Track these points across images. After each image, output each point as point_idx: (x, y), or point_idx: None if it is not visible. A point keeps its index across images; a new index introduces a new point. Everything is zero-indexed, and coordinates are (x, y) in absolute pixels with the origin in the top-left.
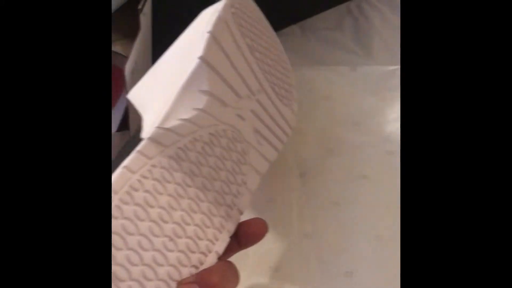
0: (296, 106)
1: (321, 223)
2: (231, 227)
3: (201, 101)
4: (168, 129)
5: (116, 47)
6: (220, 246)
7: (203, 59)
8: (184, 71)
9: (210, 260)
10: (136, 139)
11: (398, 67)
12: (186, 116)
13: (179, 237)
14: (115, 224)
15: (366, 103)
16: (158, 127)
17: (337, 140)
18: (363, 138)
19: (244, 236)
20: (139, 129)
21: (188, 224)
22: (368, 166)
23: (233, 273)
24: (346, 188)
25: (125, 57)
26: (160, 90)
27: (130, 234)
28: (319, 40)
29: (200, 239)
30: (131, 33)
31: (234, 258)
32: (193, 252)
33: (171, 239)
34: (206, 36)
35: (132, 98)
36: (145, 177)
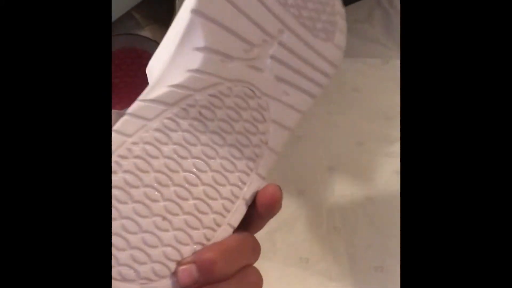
0: (341, 38)
1: (351, 217)
2: (248, 195)
3: (196, 60)
4: (150, 100)
5: (145, 32)
6: (233, 217)
7: (196, 11)
8: (179, 32)
9: (223, 234)
10: None
11: None
12: (177, 81)
13: (174, 214)
14: None
15: (397, 97)
16: (139, 100)
17: (367, 134)
18: (394, 133)
19: (258, 204)
20: None
21: (185, 199)
22: (399, 161)
23: (247, 247)
24: (377, 183)
25: (153, 41)
26: (160, 58)
27: (113, 219)
28: (349, 32)
29: (203, 213)
30: (160, 19)
31: (263, 250)
32: (195, 228)
33: (164, 218)
34: None
35: (148, 74)
36: (124, 157)
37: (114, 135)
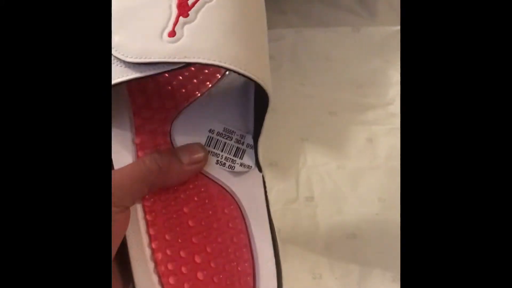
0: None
1: (324, 187)
2: None
3: None
4: None
5: None
6: None
7: None
8: None
9: None
10: None
11: None
12: None
13: None
14: None
15: (369, 64)
16: None
17: (340, 103)
18: (366, 101)
19: None
20: None
21: None
22: (372, 129)
23: None
24: (349, 152)
25: None
26: None
27: None
28: (320, 1)
29: None
30: None
31: None
32: None
33: None
34: None
35: None
36: None
37: None
